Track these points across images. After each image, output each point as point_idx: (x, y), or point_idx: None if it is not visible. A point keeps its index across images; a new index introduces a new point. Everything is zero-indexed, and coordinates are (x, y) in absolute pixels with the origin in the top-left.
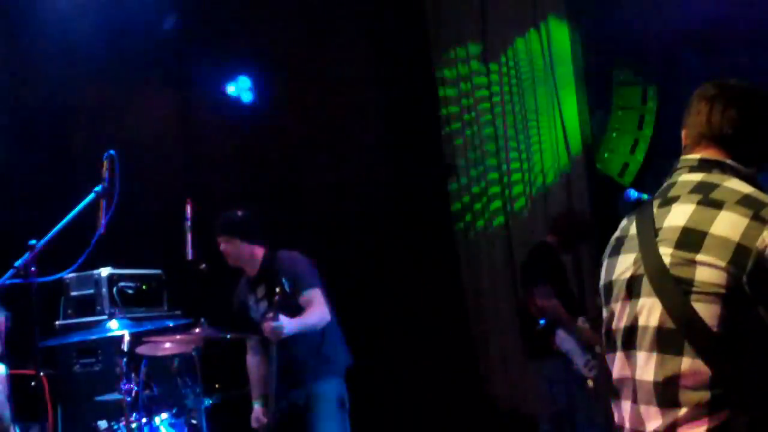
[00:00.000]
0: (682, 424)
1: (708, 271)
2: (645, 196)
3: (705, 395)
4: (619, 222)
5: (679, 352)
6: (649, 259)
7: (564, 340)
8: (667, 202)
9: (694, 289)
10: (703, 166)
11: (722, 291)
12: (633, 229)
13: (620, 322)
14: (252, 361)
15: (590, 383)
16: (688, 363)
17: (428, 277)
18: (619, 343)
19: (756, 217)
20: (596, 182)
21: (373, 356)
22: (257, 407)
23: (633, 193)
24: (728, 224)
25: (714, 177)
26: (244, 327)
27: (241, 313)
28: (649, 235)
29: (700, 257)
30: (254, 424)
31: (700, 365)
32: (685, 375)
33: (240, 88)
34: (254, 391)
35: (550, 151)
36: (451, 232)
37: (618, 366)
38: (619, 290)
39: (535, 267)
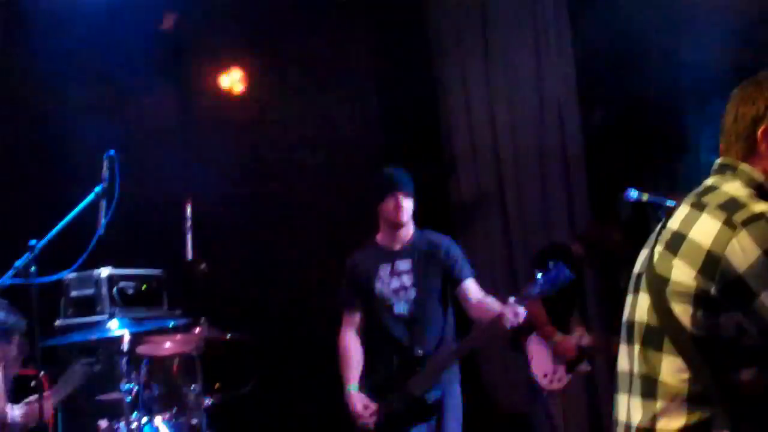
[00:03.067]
0: (659, 417)
1: (680, 272)
2: (645, 196)
3: (682, 390)
4: (617, 222)
5: (660, 348)
6: (650, 256)
7: (534, 343)
8: (681, 202)
9: (670, 287)
10: (721, 169)
11: (692, 291)
12: (658, 227)
13: (625, 316)
14: (350, 338)
15: (544, 393)
16: (667, 359)
17: None
18: (624, 336)
19: (727, 222)
20: (596, 182)
21: None
22: (354, 392)
23: (633, 193)
24: (703, 228)
25: (722, 180)
26: (360, 296)
27: (359, 280)
28: (659, 234)
29: (675, 261)
30: (360, 410)
31: (679, 362)
32: (665, 370)
33: (232, 80)
34: (350, 372)
35: (548, 151)
36: (450, 232)
37: (620, 359)
38: (631, 284)
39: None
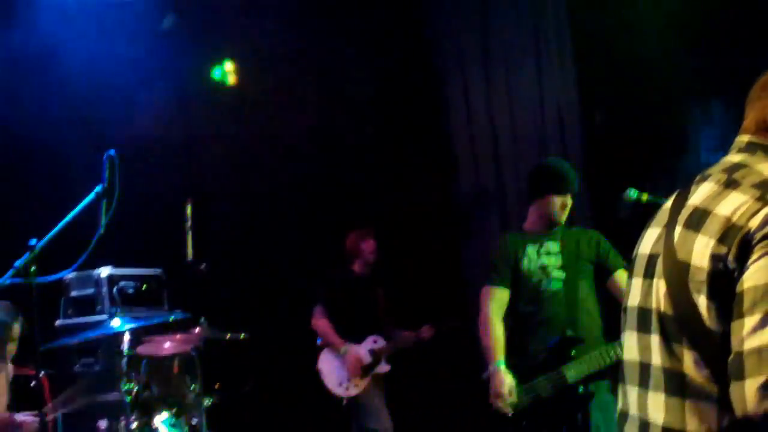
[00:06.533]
0: (688, 417)
1: (699, 253)
2: (645, 196)
3: (712, 389)
4: (617, 223)
5: (680, 341)
6: (668, 237)
7: (323, 360)
8: (702, 179)
9: (690, 274)
10: (749, 147)
11: (704, 278)
12: (669, 202)
13: (634, 301)
14: (494, 314)
15: (344, 401)
16: (688, 354)
17: (429, 275)
18: (633, 323)
19: (761, 199)
20: (596, 182)
21: None
22: (502, 369)
23: (633, 193)
24: (732, 204)
25: (752, 159)
26: (507, 272)
27: (506, 256)
28: (676, 212)
29: (697, 237)
30: (505, 392)
31: (699, 358)
32: (688, 365)
33: (224, 72)
34: (496, 348)
35: (548, 151)
36: (450, 232)
37: (628, 347)
38: (638, 266)
39: (316, 289)
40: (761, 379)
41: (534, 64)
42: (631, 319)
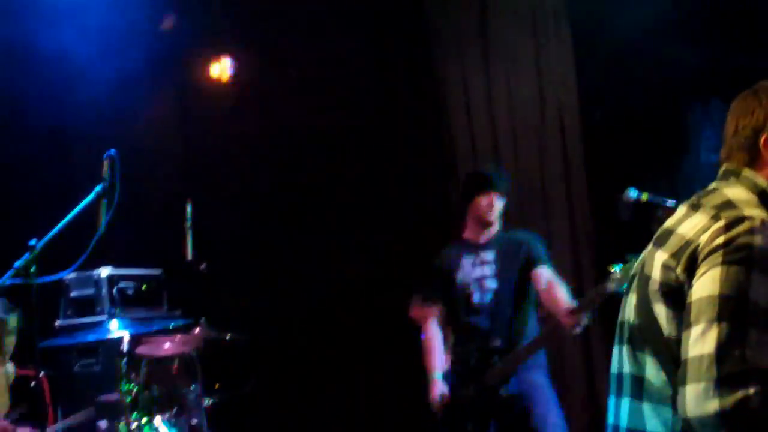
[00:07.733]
0: (647, 419)
1: (656, 266)
2: (645, 196)
3: (668, 392)
4: (617, 223)
5: (643, 349)
6: (644, 256)
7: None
8: (682, 205)
9: (651, 285)
10: (725, 174)
11: (658, 288)
12: (659, 231)
13: (619, 317)
14: (433, 329)
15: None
16: (650, 360)
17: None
18: (616, 337)
19: (714, 217)
20: (596, 182)
21: (369, 352)
22: (437, 380)
23: (633, 193)
24: (691, 223)
25: (723, 184)
26: (442, 288)
27: (443, 271)
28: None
29: (658, 253)
30: (435, 398)
31: (658, 363)
32: (649, 371)
33: (222, 68)
34: (433, 361)
35: (548, 151)
36: (450, 232)
37: (613, 361)
38: (628, 284)
39: (417, 278)
40: (700, 385)
41: (534, 64)
42: (616, 334)
